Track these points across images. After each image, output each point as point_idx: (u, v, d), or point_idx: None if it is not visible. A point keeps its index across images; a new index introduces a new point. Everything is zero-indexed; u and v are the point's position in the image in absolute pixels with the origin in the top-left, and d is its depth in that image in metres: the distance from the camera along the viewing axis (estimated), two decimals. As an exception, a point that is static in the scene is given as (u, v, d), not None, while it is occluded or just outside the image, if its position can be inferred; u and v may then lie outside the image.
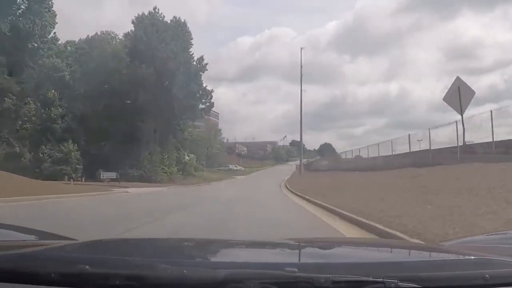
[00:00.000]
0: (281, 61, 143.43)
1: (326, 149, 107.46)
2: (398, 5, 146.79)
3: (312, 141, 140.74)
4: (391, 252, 1.72)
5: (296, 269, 1.03)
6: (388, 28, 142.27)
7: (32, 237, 1.71)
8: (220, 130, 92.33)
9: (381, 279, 1.01)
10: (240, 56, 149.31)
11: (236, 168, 69.26)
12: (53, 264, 1.10)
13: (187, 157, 40.50)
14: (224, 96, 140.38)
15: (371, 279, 1.00)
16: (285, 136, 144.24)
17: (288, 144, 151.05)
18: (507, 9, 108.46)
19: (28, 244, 1.47)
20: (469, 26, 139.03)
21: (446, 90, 12.54)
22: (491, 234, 2.26)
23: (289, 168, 66.68)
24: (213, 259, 1.47)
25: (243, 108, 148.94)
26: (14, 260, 1.15)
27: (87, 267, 1.06)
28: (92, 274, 1.04)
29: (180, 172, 37.78)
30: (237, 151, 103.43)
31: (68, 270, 1.06)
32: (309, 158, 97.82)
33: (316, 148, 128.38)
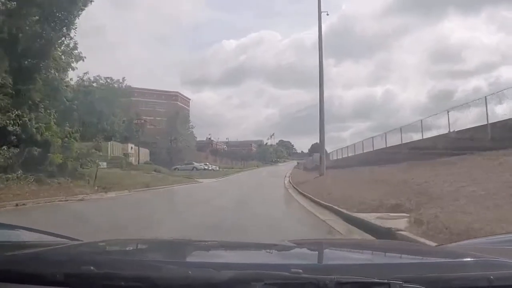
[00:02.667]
0: (265, 64, 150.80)
1: (318, 149, 79.58)
2: (384, 9, 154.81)
3: (298, 144, 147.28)
4: (396, 253, 1.74)
5: (301, 270, 1.05)
6: (374, 31, 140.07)
7: (37, 238, 1.71)
8: (189, 118, 72.44)
9: (386, 281, 1.02)
10: (224, 60, 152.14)
11: (207, 168, 50.90)
12: (58, 265, 1.12)
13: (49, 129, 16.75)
14: (207, 100, 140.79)
15: (376, 280, 1.02)
16: (273, 134, 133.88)
17: (275, 144, 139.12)
18: (492, 12, 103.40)
19: (33, 245, 1.49)
20: (455, 29, 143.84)
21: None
22: (496, 236, 2.20)
23: (284, 169, 54.37)
24: (218, 260, 1.46)
25: (226, 112, 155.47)
26: (19, 260, 1.17)
27: (92, 267, 1.07)
28: (97, 275, 1.06)
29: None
30: (212, 146, 68.76)
31: (73, 270, 1.09)
32: (298, 159, 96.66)
33: (305, 151, 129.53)
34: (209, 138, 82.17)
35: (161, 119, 62.30)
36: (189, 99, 76.53)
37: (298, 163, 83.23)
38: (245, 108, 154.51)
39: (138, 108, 71.12)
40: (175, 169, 42.91)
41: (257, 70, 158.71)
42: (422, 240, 4.65)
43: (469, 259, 1.26)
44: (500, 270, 1.10)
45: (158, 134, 58.93)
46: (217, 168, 53.93)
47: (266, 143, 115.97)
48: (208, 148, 73.86)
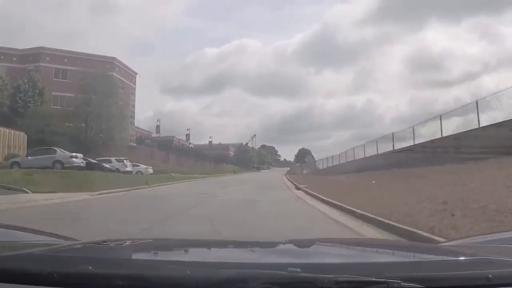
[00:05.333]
0: (246, 72, 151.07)
1: (305, 155, 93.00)
2: (365, 17, 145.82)
3: (279, 153, 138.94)
4: (394, 252, 1.79)
5: (299, 269, 1.07)
6: (355, 40, 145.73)
7: (35, 238, 1.80)
8: (133, 99, 55.05)
9: (384, 279, 1.03)
10: (204, 68, 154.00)
11: (111, 167, 28.76)
12: (56, 265, 1.15)
13: None
14: (187, 108, 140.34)
15: (374, 279, 1.04)
16: (254, 135, 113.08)
17: (258, 148, 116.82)
18: (473, 22, 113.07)
19: (31, 245, 1.56)
20: (437, 39, 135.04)
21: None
22: (495, 234, 2.31)
23: (278, 176, 39.95)
24: (216, 260, 1.51)
25: (205, 120, 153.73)
26: (17, 260, 1.20)
27: (90, 267, 1.11)
28: (95, 275, 1.09)
29: None
30: (173, 144, 35.60)
31: (71, 270, 1.12)
32: (285, 166, 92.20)
33: (287, 159, 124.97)
34: (158, 126, 56.46)
35: (86, 97, 42.29)
36: (136, 74, 50.77)
37: (291, 168, 74.87)
38: (225, 117, 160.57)
39: (50, 78, 43.43)
40: (13, 164, 22.91)
41: (237, 78, 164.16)
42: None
43: (467, 258, 1.33)
44: (499, 268, 1.15)
45: (75, 118, 40.49)
46: (150, 171, 34.38)
47: (247, 143, 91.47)
48: (159, 145, 47.74)
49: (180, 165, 51.13)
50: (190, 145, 75.07)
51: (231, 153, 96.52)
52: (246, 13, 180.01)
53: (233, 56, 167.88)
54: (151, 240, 2.33)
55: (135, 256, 1.58)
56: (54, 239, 1.82)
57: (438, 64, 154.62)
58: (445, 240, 4.53)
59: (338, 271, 1.06)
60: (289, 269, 1.05)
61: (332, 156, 45.17)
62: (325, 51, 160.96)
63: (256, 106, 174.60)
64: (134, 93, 58.63)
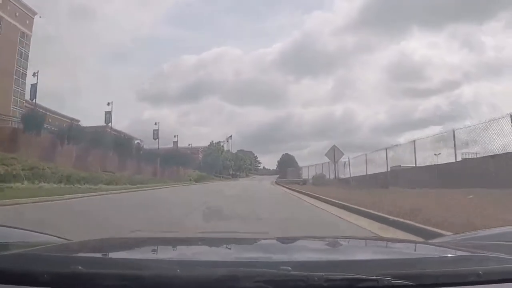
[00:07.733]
0: (224, 80, 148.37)
1: (288, 161, 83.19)
2: (345, 25, 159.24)
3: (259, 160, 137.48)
4: (384, 249, 1.93)
5: (289, 268, 1.13)
6: (335, 49, 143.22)
7: (24, 237, 1.85)
8: (26, 49, 41.47)
9: (374, 277, 1.10)
10: (182, 76, 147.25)
11: None
12: (46, 265, 1.20)
13: None
14: (163, 116, 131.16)
15: (364, 276, 1.11)
16: (231, 136, 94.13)
17: (235, 152, 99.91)
18: (455, 30, 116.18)
19: (21, 245, 1.62)
20: (417, 47, 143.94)
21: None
22: (484, 231, 2.39)
23: (288, 193, 24.22)
24: (207, 258, 1.59)
25: (183, 128, 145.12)
26: (6, 260, 1.23)
27: (80, 267, 1.14)
28: (85, 274, 1.13)
29: None
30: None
31: (61, 270, 1.15)
32: (267, 174, 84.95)
33: (267, 167, 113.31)
34: (33, 85, 32.59)
35: None
36: (35, 14, 26.22)
37: (280, 175, 72.03)
38: (202, 125, 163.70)
39: None
40: None
41: (215, 86, 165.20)
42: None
43: (458, 255, 1.42)
44: (489, 265, 1.21)
45: None
46: None
47: (219, 142, 71.82)
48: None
49: (87, 168, 30.77)
50: (138, 141, 53.35)
51: (202, 157, 75.85)
52: (225, 21, 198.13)
53: (213, 64, 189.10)
54: (142, 239, 2.41)
55: (126, 255, 1.59)
56: (46, 238, 1.91)
57: (418, 73, 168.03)
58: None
59: (329, 269, 1.09)
60: (281, 267, 1.09)
61: (344, 162, 44.00)
62: (304, 60, 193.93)
63: (235, 114, 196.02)
64: (28, 43, 37.45)
